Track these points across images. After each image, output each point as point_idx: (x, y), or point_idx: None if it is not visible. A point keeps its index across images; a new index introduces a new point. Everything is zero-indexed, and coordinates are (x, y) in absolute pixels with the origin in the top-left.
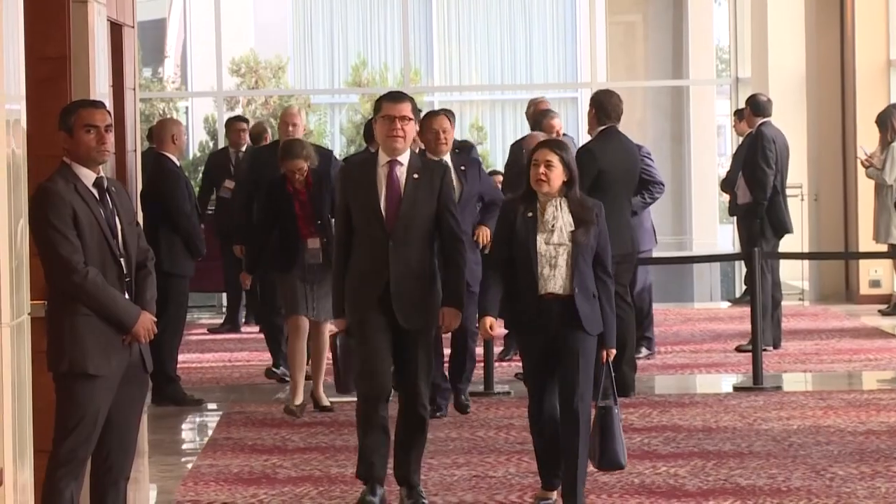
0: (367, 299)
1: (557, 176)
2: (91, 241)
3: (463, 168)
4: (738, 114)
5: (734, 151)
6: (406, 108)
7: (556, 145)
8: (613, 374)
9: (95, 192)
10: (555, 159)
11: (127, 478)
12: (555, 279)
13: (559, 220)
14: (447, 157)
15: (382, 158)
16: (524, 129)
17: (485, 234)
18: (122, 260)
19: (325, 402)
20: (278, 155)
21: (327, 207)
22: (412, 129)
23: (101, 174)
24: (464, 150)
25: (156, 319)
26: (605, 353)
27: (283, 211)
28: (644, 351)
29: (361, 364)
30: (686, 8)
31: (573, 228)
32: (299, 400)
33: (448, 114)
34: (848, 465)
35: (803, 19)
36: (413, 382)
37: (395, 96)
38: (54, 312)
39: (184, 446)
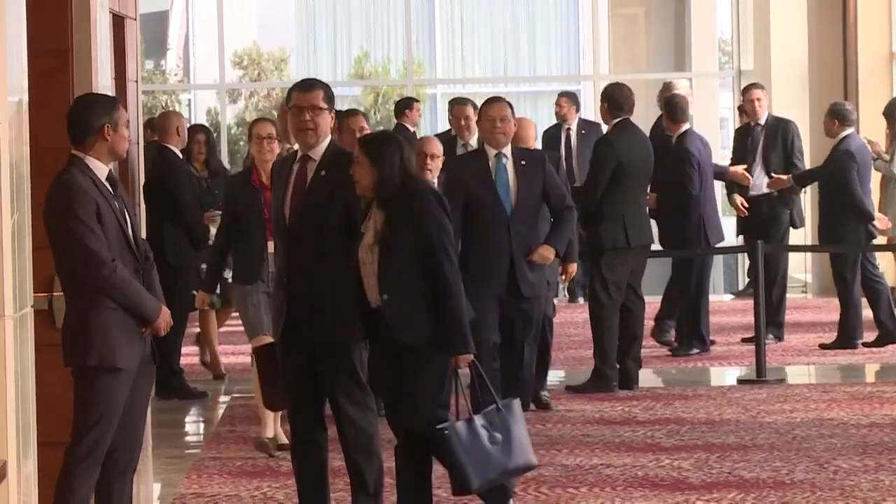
0: (277, 316)
1: (364, 174)
2: (112, 236)
3: (524, 163)
4: (757, 87)
5: (748, 142)
6: (317, 97)
7: (366, 142)
8: (478, 382)
9: (109, 186)
10: (361, 156)
11: (134, 469)
12: (378, 288)
13: (372, 220)
14: (507, 150)
15: (299, 154)
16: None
17: (543, 255)
18: (136, 252)
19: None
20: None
21: None
22: (325, 119)
23: (110, 168)
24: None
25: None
26: (453, 360)
27: (247, 209)
28: (696, 350)
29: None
30: (688, 0)
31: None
32: (271, 432)
33: (573, 97)
34: (851, 457)
35: (806, 11)
36: (340, 425)
37: (305, 84)
38: (77, 306)
39: (188, 439)
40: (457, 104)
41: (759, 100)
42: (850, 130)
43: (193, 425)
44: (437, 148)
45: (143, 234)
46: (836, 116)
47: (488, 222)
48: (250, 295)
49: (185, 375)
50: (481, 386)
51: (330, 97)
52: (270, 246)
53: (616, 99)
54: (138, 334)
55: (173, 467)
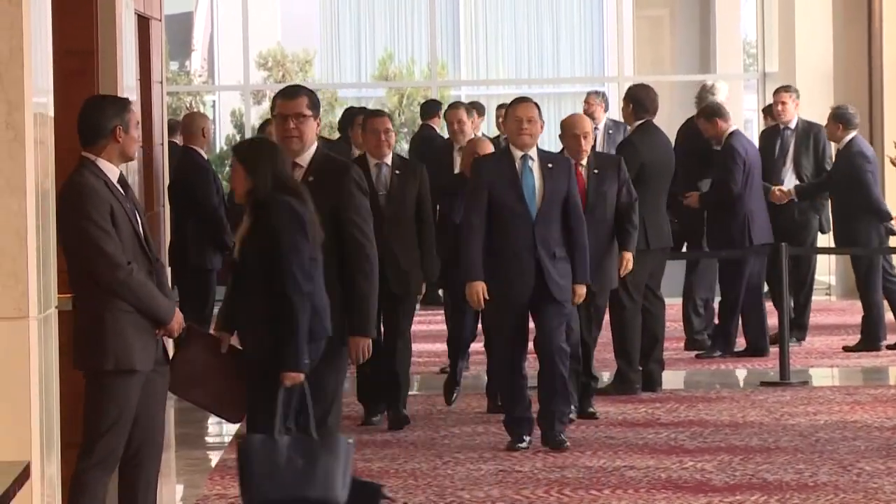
0: None
1: (239, 182)
2: (126, 238)
3: (550, 166)
4: (790, 90)
5: (777, 145)
6: (301, 104)
7: (240, 149)
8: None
9: (120, 188)
10: (236, 163)
11: (157, 471)
12: None
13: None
14: (532, 152)
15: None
16: (550, 123)
17: (581, 296)
18: (149, 254)
19: None
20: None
21: None
22: (310, 126)
23: (121, 170)
24: None
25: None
26: (281, 377)
27: None
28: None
29: None
30: (713, 2)
31: None
32: None
33: (601, 95)
34: (875, 460)
35: (830, 13)
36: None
37: (289, 91)
38: (90, 309)
39: (210, 440)
40: (450, 108)
41: (783, 103)
42: (854, 133)
43: (216, 427)
44: (490, 149)
45: (168, 236)
46: (840, 120)
47: (511, 225)
48: None
49: None
50: (302, 409)
51: (314, 104)
52: None
53: (642, 100)
54: (152, 336)
55: (196, 469)
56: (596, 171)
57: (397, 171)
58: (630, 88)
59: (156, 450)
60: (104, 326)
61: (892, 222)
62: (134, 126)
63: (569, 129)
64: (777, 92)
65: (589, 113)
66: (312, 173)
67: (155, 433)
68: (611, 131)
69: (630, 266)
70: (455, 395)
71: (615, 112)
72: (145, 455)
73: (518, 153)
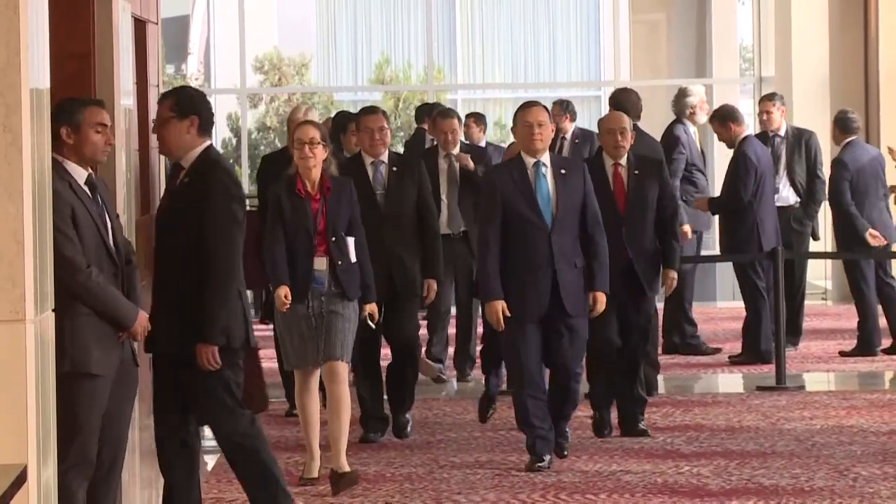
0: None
1: None
2: (88, 240)
3: (563, 172)
4: (773, 98)
5: (769, 152)
6: (163, 109)
7: None
8: None
9: (87, 189)
10: None
11: (120, 470)
12: None
13: None
14: (545, 158)
15: None
16: None
17: (602, 303)
18: (115, 256)
19: (346, 468)
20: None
21: (344, 222)
22: (172, 129)
23: (90, 171)
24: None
25: (146, 315)
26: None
27: (293, 221)
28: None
29: None
30: (710, 7)
31: None
32: (315, 472)
33: (564, 104)
34: (871, 465)
35: (827, 18)
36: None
37: (160, 96)
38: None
39: (206, 443)
40: (442, 117)
41: (768, 112)
42: (851, 138)
43: None
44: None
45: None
46: (837, 125)
47: (528, 236)
48: (290, 319)
49: None
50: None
51: (180, 103)
52: (317, 262)
53: (624, 104)
54: (115, 340)
55: None
56: (637, 171)
57: (394, 169)
58: (613, 93)
59: (120, 448)
60: (62, 329)
61: (868, 236)
62: (89, 125)
63: (604, 126)
64: (762, 101)
65: None
66: (190, 174)
67: (119, 434)
68: (577, 140)
69: (675, 284)
70: (491, 412)
71: (582, 122)
72: (107, 455)
73: (530, 160)
